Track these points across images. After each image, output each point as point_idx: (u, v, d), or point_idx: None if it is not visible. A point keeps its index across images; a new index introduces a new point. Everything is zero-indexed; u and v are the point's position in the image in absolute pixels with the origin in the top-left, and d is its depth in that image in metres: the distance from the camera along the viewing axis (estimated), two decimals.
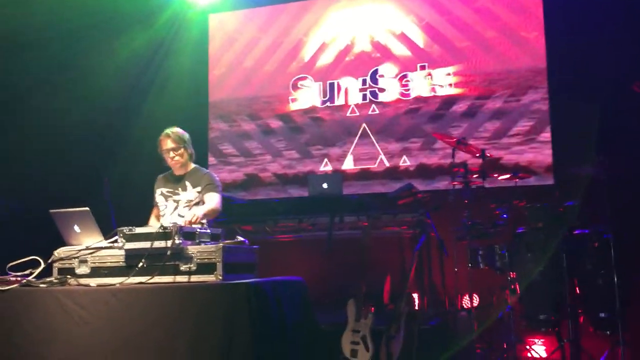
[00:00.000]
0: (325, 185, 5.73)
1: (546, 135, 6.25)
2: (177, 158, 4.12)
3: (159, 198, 4.20)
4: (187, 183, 4.15)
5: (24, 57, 6.39)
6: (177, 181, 4.19)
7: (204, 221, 3.87)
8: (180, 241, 3.16)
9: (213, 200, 3.99)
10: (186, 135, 4.21)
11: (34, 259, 3.36)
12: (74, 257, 3.33)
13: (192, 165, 4.26)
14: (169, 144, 4.12)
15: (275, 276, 3.57)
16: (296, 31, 7.34)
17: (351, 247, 5.43)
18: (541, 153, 6.23)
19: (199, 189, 4.11)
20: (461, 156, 5.50)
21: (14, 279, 3.32)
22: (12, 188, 6.22)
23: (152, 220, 4.24)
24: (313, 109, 7.16)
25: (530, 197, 5.05)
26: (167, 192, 4.18)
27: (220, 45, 7.63)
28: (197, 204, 4.06)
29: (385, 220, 5.67)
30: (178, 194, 4.14)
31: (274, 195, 7.02)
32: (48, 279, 3.30)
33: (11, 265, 3.38)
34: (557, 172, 6.09)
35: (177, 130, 4.18)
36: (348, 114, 7.03)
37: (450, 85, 6.67)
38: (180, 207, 4.10)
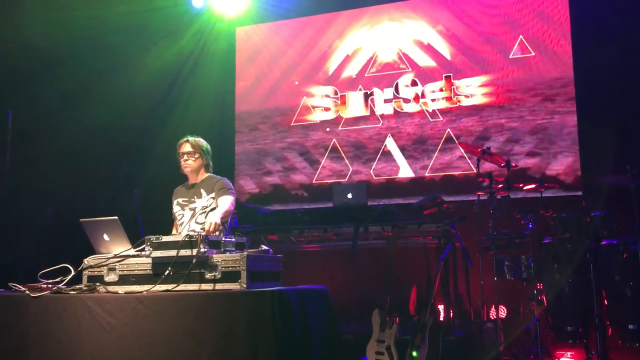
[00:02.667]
0: (349, 195, 5.75)
1: (574, 145, 6.18)
2: (189, 162, 4.22)
3: (175, 208, 4.29)
4: (202, 190, 4.23)
5: (57, 72, 6.58)
6: (191, 189, 4.28)
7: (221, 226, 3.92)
8: (206, 250, 3.20)
9: (225, 203, 4.05)
10: (206, 146, 4.31)
11: (65, 266, 3.44)
12: (103, 265, 3.40)
13: (207, 174, 4.34)
14: (185, 147, 4.25)
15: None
16: (321, 43, 7.41)
17: (376, 257, 5.44)
18: (568, 163, 6.17)
19: (213, 194, 4.18)
20: (486, 166, 5.48)
21: (45, 286, 3.40)
22: (44, 198, 6.39)
23: (174, 233, 4.30)
24: (338, 120, 7.21)
25: (556, 207, 5.00)
26: (183, 201, 4.26)
27: (246, 58, 7.74)
28: (212, 209, 4.11)
29: (410, 230, 5.66)
30: (194, 201, 4.22)
31: (299, 205, 7.07)
32: (78, 286, 3.37)
33: (43, 273, 3.47)
34: (584, 182, 6.02)
35: (197, 138, 4.31)
36: (373, 125, 7.06)
37: (476, 95, 6.66)
38: (197, 214, 4.16)
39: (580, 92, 6.21)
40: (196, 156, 4.23)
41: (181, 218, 4.22)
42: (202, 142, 4.30)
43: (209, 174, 4.34)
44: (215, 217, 3.74)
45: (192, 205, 4.21)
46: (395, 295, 4.99)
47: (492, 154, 5.17)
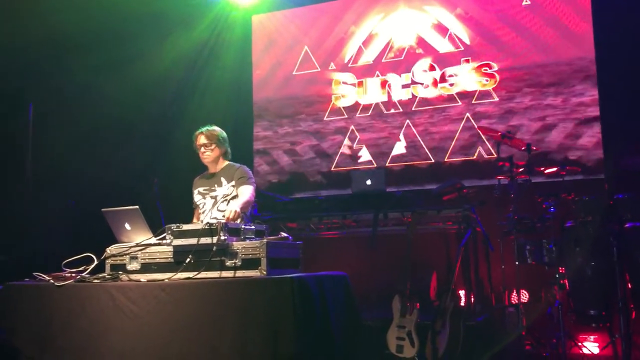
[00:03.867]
0: (368, 182, 5.74)
1: (596, 127, 6.09)
2: (207, 153, 4.28)
3: (197, 197, 4.34)
4: (222, 179, 4.27)
5: (73, 62, 6.63)
6: (212, 178, 4.32)
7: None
8: (226, 237, 3.23)
9: (246, 193, 4.09)
10: (221, 134, 4.34)
11: (88, 255, 3.49)
12: (125, 254, 3.45)
13: (226, 162, 4.38)
14: (201, 139, 4.29)
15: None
16: (337, 30, 7.37)
17: (395, 243, 5.42)
18: (590, 145, 6.08)
19: (233, 183, 4.22)
20: (507, 150, 5.42)
21: (69, 275, 3.46)
22: (66, 188, 6.48)
23: (194, 222, 4.34)
24: (356, 107, 7.18)
25: (578, 190, 4.93)
26: (204, 190, 4.31)
27: (262, 46, 7.73)
28: (233, 197, 4.15)
29: (429, 216, 5.64)
30: (214, 190, 4.26)
31: (317, 192, 7.07)
32: (101, 275, 3.42)
33: (66, 262, 3.52)
34: (607, 165, 5.93)
35: (212, 128, 4.34)
36: (391, 111, 7.01)
37: (495, 78, 6.58)
38: (218, 202, 4.21)
39: (601, 73, 6.10)
40: (213, 147, 4.28)
41: (203, 207, 4.27)
42: (216, 131, 4.33)
43: (228, 162, 4.38)
44: (235, 206, 3.78)
45: (213, 194, 4.24)
46: (416, 281, 4.99)
47: (512, 137, 5.11)
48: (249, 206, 4.14)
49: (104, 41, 6.75)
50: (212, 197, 4.24)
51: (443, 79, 6.80)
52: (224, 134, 4.38)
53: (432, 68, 6.87)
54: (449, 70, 6.79)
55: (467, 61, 6.72)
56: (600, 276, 4.44)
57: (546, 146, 6.19)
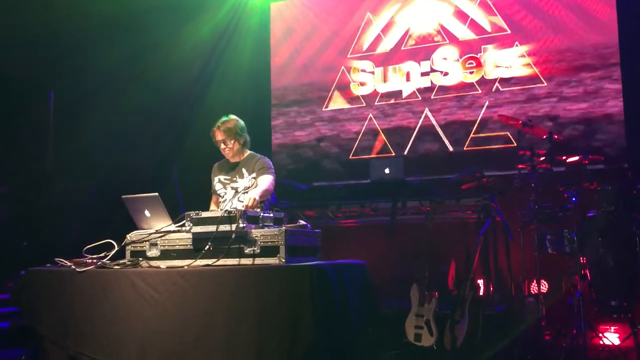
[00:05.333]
0: (387, 170, 5.71)
1: (619, 115, 5.98)
2: (227, 150, 4.26)
3: (217, 185, 4.34)
4: (243, 170, 4.27)
5: (94, 49, 6.66)
6: (233, 168, 4.32)
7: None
8: (244, 225, 3.23)
9: (265, 182, 4.10)
10: (237, 126, 4.25)
11: (108, 242, 3.52)
12: (145, 241, 3.47)
13: (247, 152, 4.37)
14: (218, 136, 4.25)
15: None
16: (355, 18, 7.32)
17: (414, 232, 5.40)
18: (613, 134, 5.97)
19: (254, 174, 4.23)
20: (528, 139, 5.35)
21: (90, 261, 3.49)
22: (87, 176, 6.54)
23: (212, 207, 4.37)
24: (374, 95, 7.13)
25: (601, 179, 4.85)
26: (225, 179, 4.31)
27: (281, 34, 7.70)
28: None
29: (448, 205, 5.60)
30: (236, 181, 4.27)
31: (336, 181, 7.05)
32: (121, 261, 3.45)
33: (87, 248, 3.55)
34: (630, 154, 5.83)
35: (227, 120, 4.25)
36: (410, 99, 6.96)
37: (516, 66, 6.49)
38: (239, 194, 4.22)
39: (625, 59, 5.98)
40: (232, 142, 4.23)
41: (224, 196, 4.29)
42: (231, 124, 4.23)
43: (249, 152, 4.38)
44: (254, 194, 3.78)
45: (234, 185, 4.26)
46: (434, 271, 4.96)
47: (533, 125, 5.04)
48: (268, 195, 4.14)
49: (124, 29, 6.77)
50: (232, 188, 4.26)
51: (463, 66, 6.73)
52: (241, 123, 4.30)
53: (451, 55, 6.80)
54: (469, 58, 6.71)
55: (487, 48, 6.63)
56: (622, 266, 4.38)
57: (568, 134, 6.10)
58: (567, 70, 6.25)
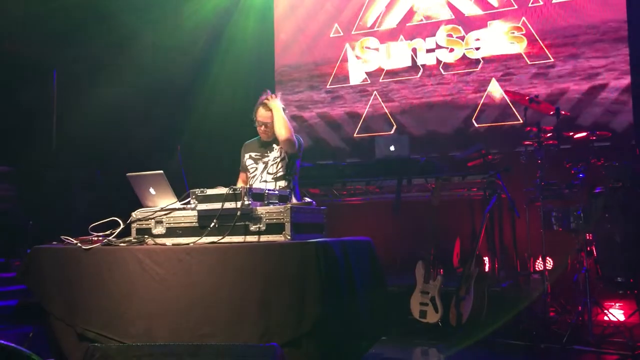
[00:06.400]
0: (392, 148, 5.69)
1: (626, 91, 5.92)
2: (268, 132, 4.28)
3: (248, 161, 4.40)
4: (274, 145, 4.33)
5: (98, 30, 6.63)
6: (265, 146, 4.38)
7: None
8: (250, 202, 3.22)
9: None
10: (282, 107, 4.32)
11: (114, 219, 3.52)
12: (151, 218, 3.46)
13: None
14: (264, 116, 4.25)
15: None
16: None
17: (419, 209, 5.39)
18: (621, 110, 5.92)
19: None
20: (535, 115, 5.31)
21: (96, 238, 3.50)
22: (92, 154, 6.54)
23: (240, 184, 4.39)
24: (379, 72, 7.07)
25: (608, 155, 4.82)
26: (256, 155, 4.38)
27: (284, 11, 7.63)
28: (283, 160, 4.26)
29: (454, 183, 5.59)
30: (267, 155, 4.33)
31: (341, 159, 7.03)
32: (127, 239, 3.45)
33: (93, 226, 3.55)
34: (638, 130, 5.78)
35: (273, 102, 4.26)
36: (415, 76, 6.90)
37: (523, 41, 6.41)
38: (268, 166, 4.30)
39: (633, 35, 5.90)
40: (271, 124, 4.24)
41: (254, 171, 4.35)
42: (275, 105, 4.25)
43: None
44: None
45: (265, 159, 4.32)
46: (439, 248, 4.96)
47: (540, 102, 4.98)
48: (290, 129, 4.22)
49: (127, 8, 6.72)
50: (263, 162, 4.33)
51: (469, 42, 6.65)
52: (280, 104, 4.29)
53: (457, 32, 6.72)
54: (475, 34, 6.63)
55: (494, 24, 6.55)
56: (629, 243, 4.36)
57: (576, 111, 6.04)
58: (574, 46, 6.17)
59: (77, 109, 6.56)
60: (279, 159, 4.27)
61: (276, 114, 4.20)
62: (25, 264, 3.63)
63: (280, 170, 4.24)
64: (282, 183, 4.23)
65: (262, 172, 4.30)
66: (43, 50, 6.44)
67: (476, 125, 6.55)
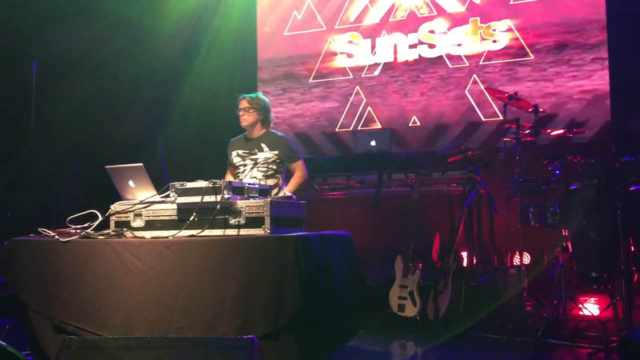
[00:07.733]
0: (373, 143, 5.72)
1: (604, 89, 6.01)
2: (245, 116, 4.45)
3: (236, 159, 4.49)
4: (263, 145, 4.43)
5: (78, 20, 6.54)
6: (251, 142, 4.48)
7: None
8: (229, 196, 3.22)
9: (301, 170, 4.46)
10: (263, 101, 4.51)
11: (92, 212, 3.50)
12: (130, 211, 3.45)
13: (265, 129, 4.53)
14: (243, 103, 4.47)
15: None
16: None
17: (399, 204, 5.43)
18: (598, 107, 6.00)
19: (276, 152, 4.40)
20: (513, 112, 5.37)
21: (74, 231, 3.47)
22: (71, 146, 6.48)
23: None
24: (362, 67, 7.09)
25: (585, 152, 4.90)
26: (243, 152, 4.47)
27: (267, 5, 7.61)
28: (275, 161, 4.38)
29: (434, 178, 5.64)
30: (255, 154, 4.43)
31: (322, 153, 7.05)
32: (106, 231, 3.43)
33: (71, 218, 3.53)
34: (614, 128, 5.87)
35: (256, 95, 4.54)
36: (397, 71, 6.93)
37: (503, 39, 6.47)
38: (259, 164, 4.39)
39: (612, 34, 5.99)
40: (251, 111, 4.44)
41: (243, 168, 4.43)
42: (259, 98, 4.51)
43: (267, 129, 4.52)
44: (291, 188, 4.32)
45: (254, 157, 4.43)
46: (419, 242, 5.01)
47: (519, 99, 5.05)
48: (304, 179, 4.52)
49: (107, 1, 6.65)
50: (252, 160, 4.42)
51: (450, 39, 6.70)
52: (267, 101, 4.54)
53: (439, 28, 6.76)
54: (456, 30, 6.68)
55: (475, 21, 6.60)
56: (603, 239, 4.44)
57: (553, 108, 6.12)
58: (554, 44, 6.24)
59: (56, 100, 6.48)
60: (270, 160, 4.39)
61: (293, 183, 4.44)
62: (2, 256, 3.59)
63: (271, 169, 4.38)
64: (272, 181, 4.35)
65: (252, 169, 4.39)
66: (21, 40, 6.36)
67: (457, 120, 6.59)
